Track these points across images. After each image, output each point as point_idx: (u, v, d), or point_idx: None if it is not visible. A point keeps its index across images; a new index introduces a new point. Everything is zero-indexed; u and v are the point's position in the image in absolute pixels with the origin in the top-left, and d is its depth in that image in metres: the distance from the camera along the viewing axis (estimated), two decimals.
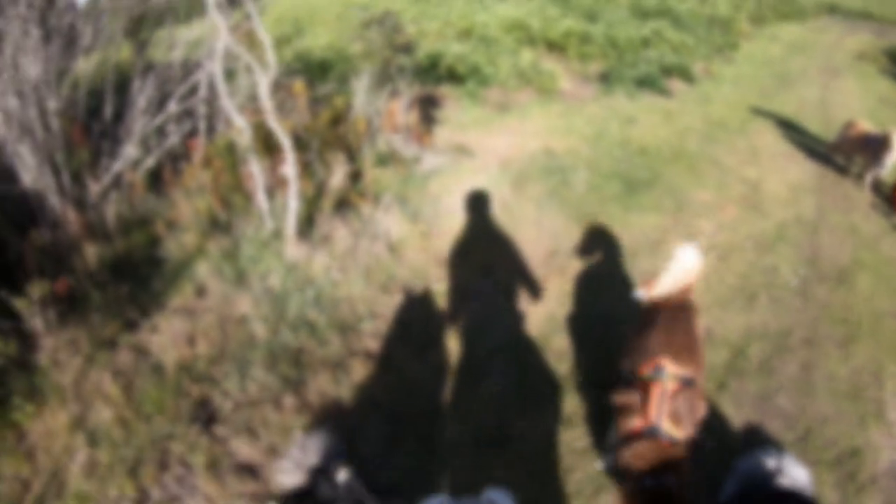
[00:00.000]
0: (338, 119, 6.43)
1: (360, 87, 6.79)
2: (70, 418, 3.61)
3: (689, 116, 10.38)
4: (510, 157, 7.67)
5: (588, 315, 5.06)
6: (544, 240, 6.05)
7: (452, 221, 6.10)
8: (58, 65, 5.02)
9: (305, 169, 5.35)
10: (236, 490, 3.39)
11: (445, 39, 11.71)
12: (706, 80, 13.05)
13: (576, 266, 5.70)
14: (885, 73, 17.93)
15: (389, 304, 4.91)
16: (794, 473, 2.78)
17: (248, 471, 3.51)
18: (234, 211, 5.20)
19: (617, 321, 4.13)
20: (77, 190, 5.03)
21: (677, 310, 3.51)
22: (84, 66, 5.56)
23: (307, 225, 5.25)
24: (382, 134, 6.90)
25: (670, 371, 3.10)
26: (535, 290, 5.30)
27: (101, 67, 5.79)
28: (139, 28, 6.17)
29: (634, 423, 3.05)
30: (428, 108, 8.69)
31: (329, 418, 3.84)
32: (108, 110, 5.56)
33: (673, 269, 3.56)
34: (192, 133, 5.80)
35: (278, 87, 5.78)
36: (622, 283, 5.43)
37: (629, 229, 6.37)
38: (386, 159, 6.68)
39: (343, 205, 5.67)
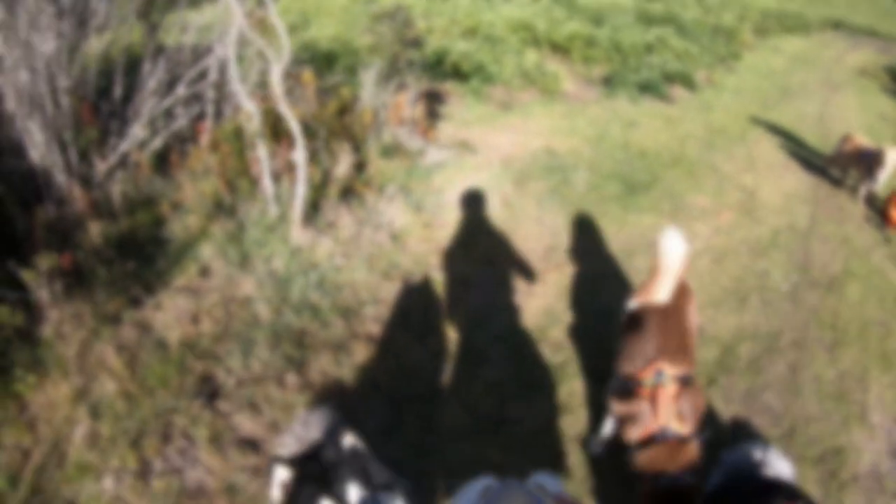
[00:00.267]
0: (345, 109, 6.47)
1: (368, 79, 6.84)
2: (72, 390, 3.64)
3: (689, 123, 10.45)
4: (512, 155, 7.73)
5: (584, 309, 5.14)
6: (544, 236, 6.12)
7: (454, 214, 6.17)
8: (70, 43, 5.05)
9: (312, 157, 5.39)
10: (238, 463, 3.44)
11: (451, 36, 11.76)
12: (708, 88, 13.12)
13: (574, 262, 5.77)
14: (886, 90, 18.03)
15: (391, 291, 4.97)
16: (778, 466, 2.86)
17: (250, 445, 3.56)
18: (240, 195, 5.23)
19: (612, 316, 4.20)
20: (84, 168, 5.07)
21: (669, 307, 3.54)
22: (95, 45, 5.58)
23: (313, 211, 5.30)
24: (388, 126, 6.95)
25: (669, 374, 3.17)
26: (533, 283, 5.36)
27: (113, 47, 5.82)
28: (151, 10, 6.20)
29: (645, 428, 3.11)
30: (433, 103, 8.73)
31: (330, 397, 3.90)
32: (117, 90, 5.59)
33: (667, 268, 3.54)
34: (200, 117, 5.83)
35: (287, 75, 5.82)
36: (618, 281, 5.51)
37: (627, 229, 6.45)
38: (391, 151, 6.73)
39: (348, 193, 5.71)
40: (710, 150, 9.28)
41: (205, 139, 5.58)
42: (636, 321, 3.57)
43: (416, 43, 10.83)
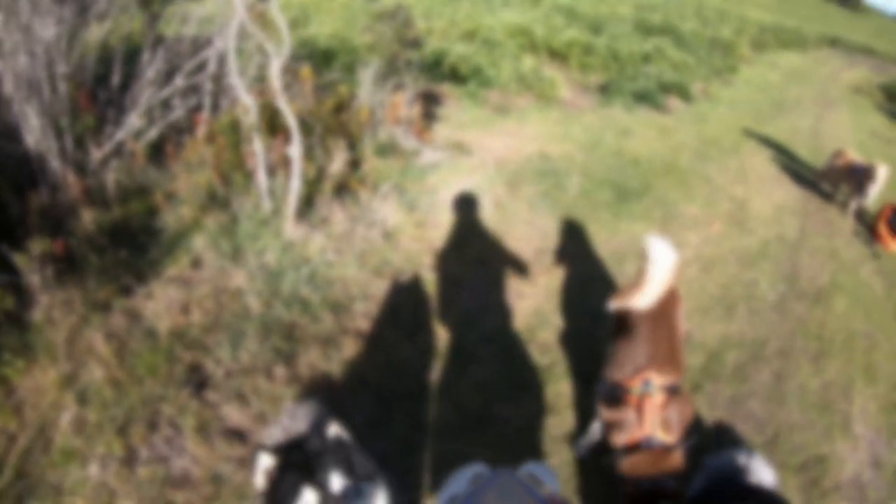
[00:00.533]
0: (341, 107, 6.48)
1: (366, 78, 6.86)
2: (60, 376, 3.64)
3: (683, 133, 10.54)
4: (506, 158, 7.78)
5: (573, 312, 5.17)
6: (535, 239, 6.16)
7: (447, 214, 6.20)
8: (70, 29, 5.06)
9: (307, 153, 5.39)
10: (224, 453, 3.45)
11: (450, 39, 11.80)
12: (703, 99, 13.23)
13: (564, 266, 5.80)
14: (880, 108, 18.21)
15: (382, 288, 4.98)
16: (761, 473, 2.89)
17: (237, 435, 3.56)
18: (234, 188, 5.23)
19: (600, 320, 4.24)
20: (79, 155, 5.06)
21: (658, 314, 3.56)
22: (96, 32, 5.59)
23: (306, 206, 5.31)
24: (384, 125, 6.97)
25: (657, 383, 3.20)
26: (523, 285, 5.39)
27: (112, 35, 5.82)
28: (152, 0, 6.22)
29: (630, 435, 3.14)
30: (429, 104, 8.77)
31: (318, 390, 3.91)
32: (115, 79, 5.58)
33: (656, 276, 3.52)
34: (197, 108, 5.83)
35: (285, 70, 5.84)
36: (607, 285, 5.55)
37: (617, 235, 6.50)
38: (386, 150, 6.75)
39: (342, 190, 5.73)
40: (702, 161, 9.35)
41: (201, 131, 5.59)
42: (626, 327, 3.59)
43: (416, 43, 10.86)
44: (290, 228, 5.03)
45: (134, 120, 5.34)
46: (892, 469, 4.42)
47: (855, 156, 8.60)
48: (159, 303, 4.28)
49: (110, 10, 5.68)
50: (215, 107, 5.95)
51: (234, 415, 3.67)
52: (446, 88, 9.94)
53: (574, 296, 5.38)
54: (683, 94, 12.68)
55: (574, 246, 6.18)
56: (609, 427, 3.30)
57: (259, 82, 5.79)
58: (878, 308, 6.38)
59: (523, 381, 4.41)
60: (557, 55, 12.82)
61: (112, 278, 4.28)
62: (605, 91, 11.63)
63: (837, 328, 5.81)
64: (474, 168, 7.30)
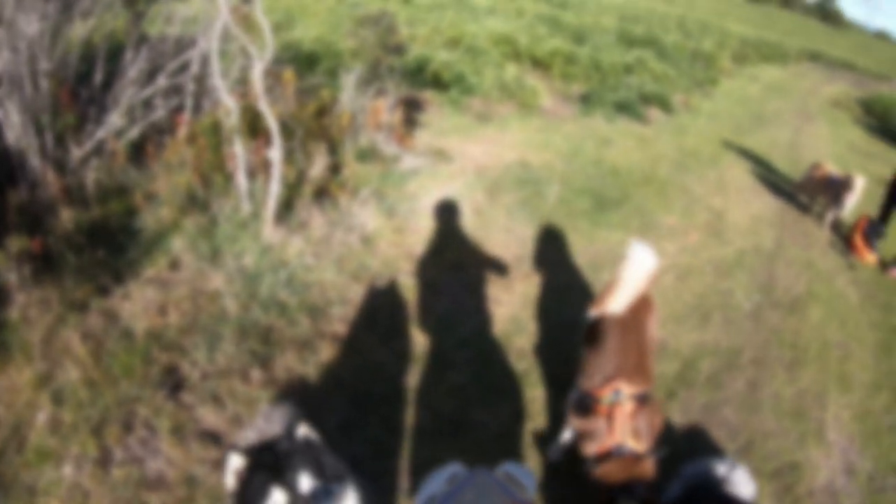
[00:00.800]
0: (323, 111, 6.51)
1: (349, 83, 6.89)
2: (36, 375, 3.62)
3: (663, 144, 10.65)
4: (486, 166, 7.82)
5: (549, 320, 5.21)
6: (513, 246, 6.20)
7: (426, 220, 6.23)
8: (53, 25, 5.05)
9: (288, 156, 5.41)
10: (199, 455, 3.44)
11: (434, 46, 11.86)
12: (684, 111, 13.36)
13: (541, 273, 5.84)
14: (858, 122, 18.47)
15: (359, 292, 5.00)
16: (741, 485, 2.91)
17: (212, 438, 3.56)
18: (214, 190, 5.23)
19: (576, 328, 4.28)
20: (59, 153, 5.05)
21: (629, 323, 3.58)
22: (79, 30, 5.58)
23: (285, 210, 5.32)
24: (365, 130, 7.01)
25: (626, 392, 3.23)
26: (500, 292, 5.42)
27: (96, 33, 5.82)
28: None
29: (601, 444, 3.17)
30: (411, 110, 8.80)
31: (294, 393, 3.92)
32: (97, 77, 5.58)
33: (631, 279, 3.58)
34: (179, 109, 5.83)
35: (267, 73, 5.85)
36: (584, 294, 5.58)
37: (595, 244, 6.56)
38: (366, 155, 6.78)
39: (322, 194, 5.74)
40: (681, 172, 9.45)
41: (182, 132, 5.57)
42: (596, 336, 3.62)
43: (399, 50, 10.90)
44: (269, 231, 5.04)
45: (115, 119, 5.34)
46: (866, 476, 4.48)
47: (832, 168, 8.73)
48: (136, 303, 4.27)
49: (94, 8, 5.68)
50: (197, 108, 5.96)
51: (209, 417, 3.67)
52: (429, 95, 9.98)
53: (551, 303, 5.41)
54: (664, 105, 12.80)
55: (552, 254, 6.23)
56: (580, 436, 3.32)
57: (241, 84, 5.80)
58: (852, 318, 6.47)
59: (499, 386, 4.43)
60: (540, 64, 12.92)
61: (90, 278, 4.27)
62: (587, 101, 11.72)
63: (812, 337, 5.88)
64: (454, 175, 7.34)
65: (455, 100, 9.84)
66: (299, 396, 3.90)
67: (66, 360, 3.75)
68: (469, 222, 6.40)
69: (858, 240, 7.99)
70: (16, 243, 3.83)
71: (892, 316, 6.73)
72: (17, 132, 4.74)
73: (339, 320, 4.66)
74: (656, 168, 9.30)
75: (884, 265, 7.84)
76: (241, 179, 5.08)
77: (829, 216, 8.57)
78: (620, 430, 3.13)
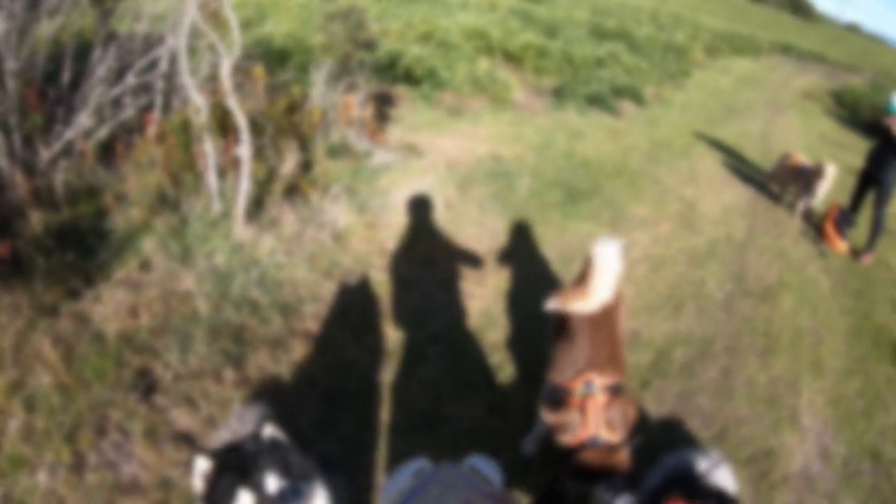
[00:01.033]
0: (294, 107, 6.48)
1: (319, 79, 6.87)
2: (7, 382, 3.58)
3: (634, 136, 10.73)
4: (458, 160, 7.86)
5: (521, 313, 5.25)
6: (485, 239, 6.24)
7: (398, 215, 6.24)
8: (20, 24, 4.98)
9: (258, 153, 5.39)
10: (173, 458, 3.43)
11: (406, 41, 11.84)
12: (656, 103, 13.47)
13: (513, 266, 5.88)
14: (829, 113, 18.70)
15: (331, 289, 5.01)
16: (721, 477, 2.92)
17: (186, 439, 3.56)
18: (184, 189, 5.20)
19: (547, 320, 4.30)
20: (27, 154, 4.99)
21: (600, 316, 3.57)
22: (46, 28, 5.51)
23: (256, 208, 5.31)
24: (336, 126, 6.99)
25: (598, 384, 3.24)
26: (472, 285, 5.45)
27: (64, 32, 5.75)
28: None
29: (575, 436, 3.17)
30: (383, 105, 8.80)
31: (267, 393, 3.92)
32: (65, 76, 5.52)
33: (600, 284, 3.52)
34: (148, 107, 5.78)
35: (237, 70, 5.81)
36: (555, 286, 5.58)
37: (566, 236, 6.62)
38: (338, 151, 6.78)
39: (293, 191, 5.74)
40: (653, 163, 9.54)
41: (151, 130, 5.52)
42: (566, 330, 3.63)
43: (369, 45, 10.88)
44: (240, 230, 5.03)
45: (84, 119, 5.28)
46: (840, 460, 4.57)
47: (802, 158, 8.86)
48: (107, 306, 4.24)
49: (62, 6, 5.61)
50: (166, 106, 5.90)
51: (182, 419, 3.67)
52: (401, 90, 9.99)
53: (523, 296, 5.45)
54: (636, 97, 12.89)
55: (523, 246, 6.27)
56: (554, 429, 3.33)
57: (211, 81, 5.75)
58: (824, 305, 6.59)
59: (472, 380, 4.46)
60: (512, 58, 12.95)
61: (60, 281, 4.23)
62: (559, 94, 11.77)
63: (784, 325, 6.00)
64: (426, 169, 7.36)
65: (427, 94, 9.86)
66: (272, 396, 3.91)
67: (37, 365, 3.71)
68: (441, 216, 6.43)
69: (829, 228, 8.12)
70: None
71: (863, 302, 6.88)
72: None
73: (312, 318, 4.67)
74: (628, 160, 9.39)
75: (854, 253, 7.98)
76: (212, 178, 5.06)
77: (801, 205, 8.69)
78: (594, 421, 3.14)
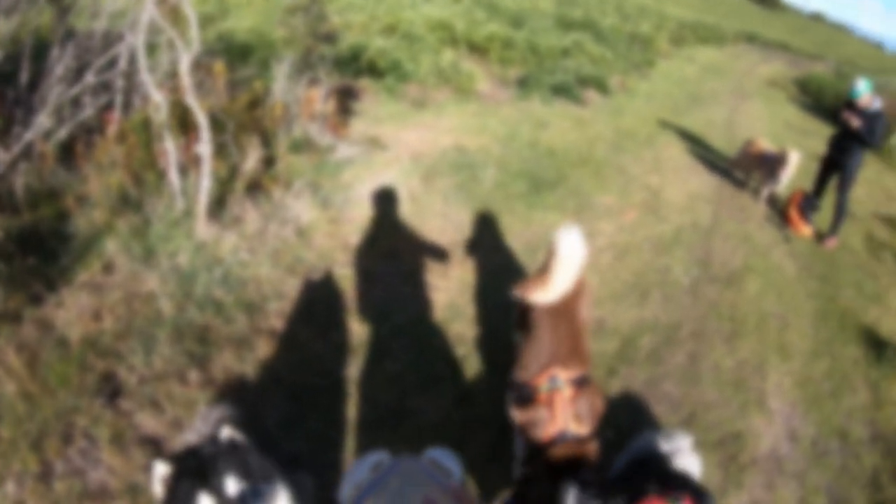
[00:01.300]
0: (256, 103, 6.46)
1: (280, 73, 6.84)
2: None
3: (600, 125, 10.80)
4: (422, 152, 7.87)
5: (486, 304, 5.29)
6: (449, 231, 6.26)
7: (362, 209, 6.25)
8: None
9: (220, 150, 5.35)
10: (140, 463, 3.42)
11: (370, 33, 11.80)
12: (621, 93, 13.55)
13: (477, 257, 5.91)
14: (794, 100, 18.96)
15: (295, 286, 5.01)
16: (686, 458, 2.95)
17: (153, 443, 3.55)
18: (146, 188, 5.15)
19: (512, 310, 4.33)
20: None
21: (561, 308, 3.62)
22: (3, 27, 5.42)
23: (218, 206, 5.29)
24: (299, 121, 6.97)
25: (563, 378, 3.27)
26: (436, 278, 5.48)
27: (21, 30, 5.67)
28: None
29: (545, 432, 3.19)
30: (346, 99, 8.79)
31: (232, 393, 3.93)
32: (23, 77, 5.45)
33: (562, 272, 3.57)
34: (108, 106, 5.71)
35: (198, 66, 5.76)
36: (520, 276, 5.62)
37: (531, 226, 6.66)
38: (300, 146, 6.77)
39: (255, 188, 5.72)
40: (618, 152, 9.61)
41: (112, 130, 5.46)
42: (528, 324, 3.67)
43: (330, 38, 10.83)
44: (202, 228, 5.01)
45: (43, 120, 5.21)
46: (809, 441, 4.68)
47: (766, 144, 9.00)
48: (70, 310, 4.20)
49: (19, 4, 5.52)
50: (127, 105, 5.84)
51: (148, 422, 3.65)
52: (365, 83, 9.97)
53: (488, 287, 5.48)
54: (601, 87, 12.95)
55: (488, 237, 6.31)
56: (524, 426, 3.35)
57: (171, 78, 5.69)
58: (789, 289, 6.71)
59: (437, 373, 4.49)
60: (477, 49, 12.95)
61: (21, 287, 4.18)
62: (524, 84, 11.80)
63: (750, 309, 6.10)
64: (389, 162, 7.37)
65: (391, 87, 9.85)
66: (237, 395, 3.91)
67: (1, 373, 3.68)
68: (405, 209, 6.45)
69: (794, 213, 8.25)
70: None
71: (828, 286, 7.01)
72: None
73: (276, 315, 4.67)
74: (593, 149, 9.45)
75: (819, 237, 8.12)
76: (173, 176, 5.03)
77: (765, 191, 8.83)
78: (562, 416, 3.17)
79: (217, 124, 5.36)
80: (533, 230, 6.56)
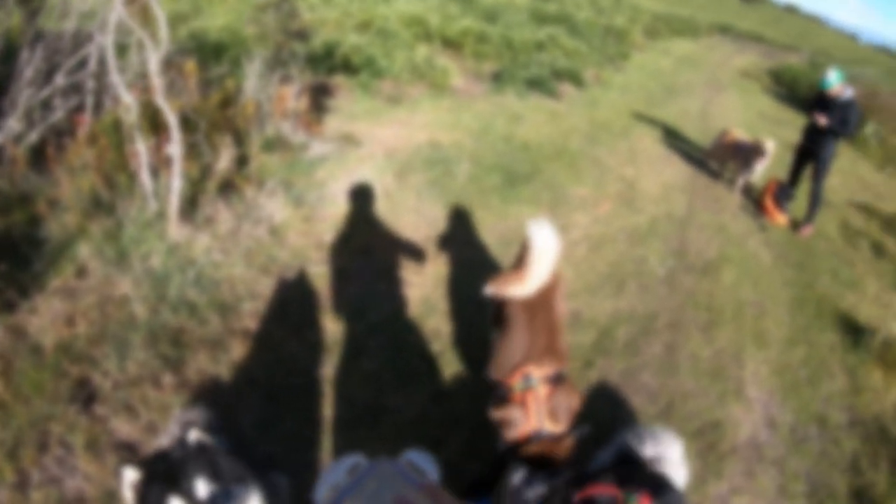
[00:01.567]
0: (227, 102, 6.42)
1: (252, 71, 6.80)
2: None
3: (574, 118, 10.85)
4: (396, 148, 7.87)
5: (461, 299, 5.30)
6: (423, 227, 6.27)
7: (335, 207, 6.24)
8: None
9: (192, 150, 5.32)
10: (116, 469, 3.38)
11: (344, 30, 11.77)
12: (596, 85, 13.61)
13: (452, 252, 5.93)
14: (768, 91, 19.16)
15: (269, 285, 5.00)
16: (669, 453, 2.94)
17: (128, 449, 3.54)
18: (118, 191, 5.11)
19: (487, 305, 4.35)
20: None
21: (535, 303, 3.61)
22: None
23: (191, 206, 5.26)
24: (272, 119, 6.94)
25: (537, 376, 3.28)
26: (411, 274, 5.50)
27: None
28: None
29: (520, 431, 3.21)
30: (320, 96, 8.76)
31: (207, 395, 3.91)
32: None
33: (537, 265, 3.55)
34: (79, 108, 5.66)
35: (169, 65, 5.72)
36: (495, 270, 5.63)
37: (506, 220, 6.68)
38: (273, 144, 6.74)
39: (228, 188, 5.70)
40: (593, 144, 9.66)
41: (83, 132, 5.41)
42: (503, 320, 3.69)
43: (302, 35, 10.79)
44: (175, 230, 4.98)
45: (13, 123, 5.16)
46: (787, 428, 4.74)
47: (740, 134, 9.08)
48: (44, 317, 4.17)
49: None
50: (98, 106, 5.78)
51: (123, 427, 3.64)
52: (339, 80, 9.93)
53: (462, 282, 5.49)
54: (576, 80, 13.00)
55: (462, 232, 6.33)
56: (500, 425, 3.35)
57: (142, 79, 5.64)
58: (765, 278, 6.80)
59: (413, 370, 4.50)
60: (452, 44, 12.96)
61: None
62: (498, 79, 11.82)
63: (726, 299, 6.17)
64: (363, 159, 7.36)
65: (365, 83, 9.82)
66: (212, 397, 3.90)
67: None
68: (379, 206, 6.45)
69: (769, 202, 8.35)
70: None
71: (804, 273, 7.11)
72: None
73: (250, 316, 4.66)
74: (567, 142, 9.49)
75: (794, 225, 8.21)
76: (145, 178, 5.00)
77: (740, 181, 8.92)
78: (536, 415, 3.19)
79: (189, 124, 5.34)
80: (507, 224, 6.58)
